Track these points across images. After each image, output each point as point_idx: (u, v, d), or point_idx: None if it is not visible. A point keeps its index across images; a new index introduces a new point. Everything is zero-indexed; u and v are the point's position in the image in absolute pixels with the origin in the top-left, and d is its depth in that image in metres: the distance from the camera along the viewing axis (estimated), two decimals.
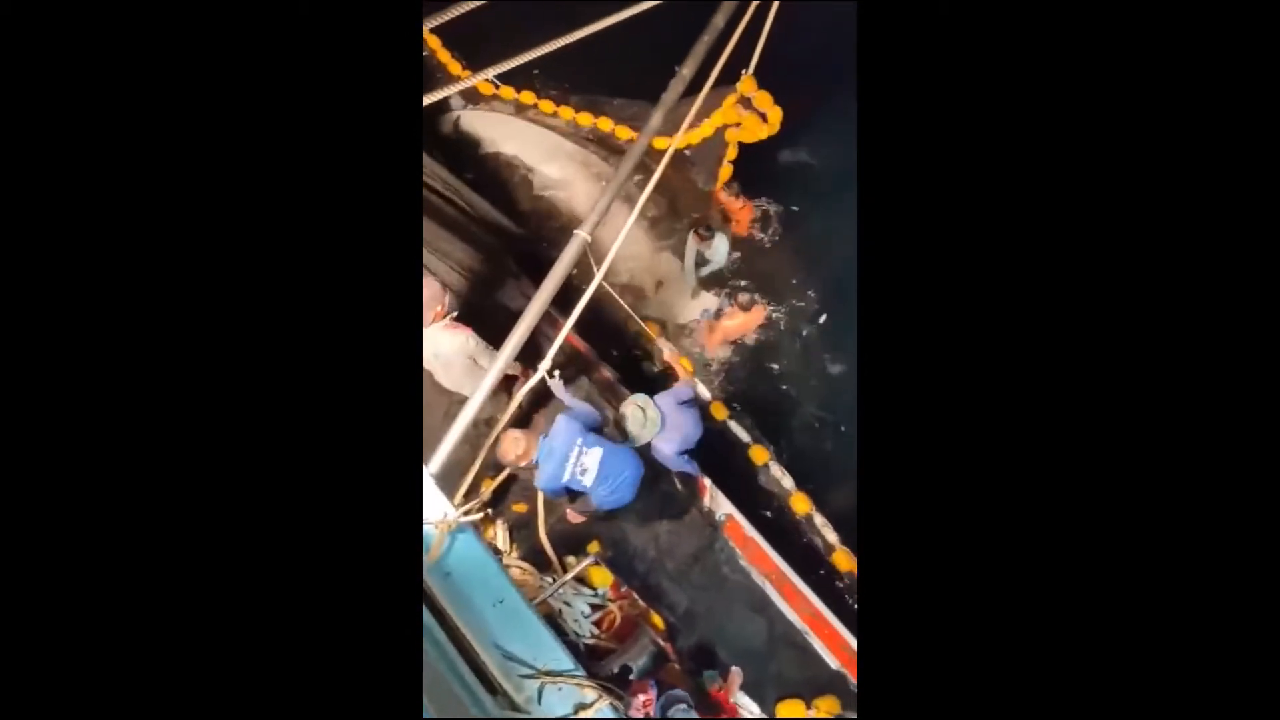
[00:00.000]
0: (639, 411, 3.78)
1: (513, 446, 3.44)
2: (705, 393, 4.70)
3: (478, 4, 3.29)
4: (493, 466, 3.82)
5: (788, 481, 4.47)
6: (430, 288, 3.58)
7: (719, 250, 5.30)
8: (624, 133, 5.64)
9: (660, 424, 3.76)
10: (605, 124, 5.74)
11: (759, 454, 4.57)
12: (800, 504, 4.41)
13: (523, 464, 3.48)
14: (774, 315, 5.24)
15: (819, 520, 4.35)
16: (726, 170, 5.47)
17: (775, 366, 5.14)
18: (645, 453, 3.73)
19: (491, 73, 3.50)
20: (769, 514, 4.34)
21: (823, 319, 5.27)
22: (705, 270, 5.35)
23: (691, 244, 5.26)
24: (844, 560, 4.22)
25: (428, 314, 3.57)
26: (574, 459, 3.41)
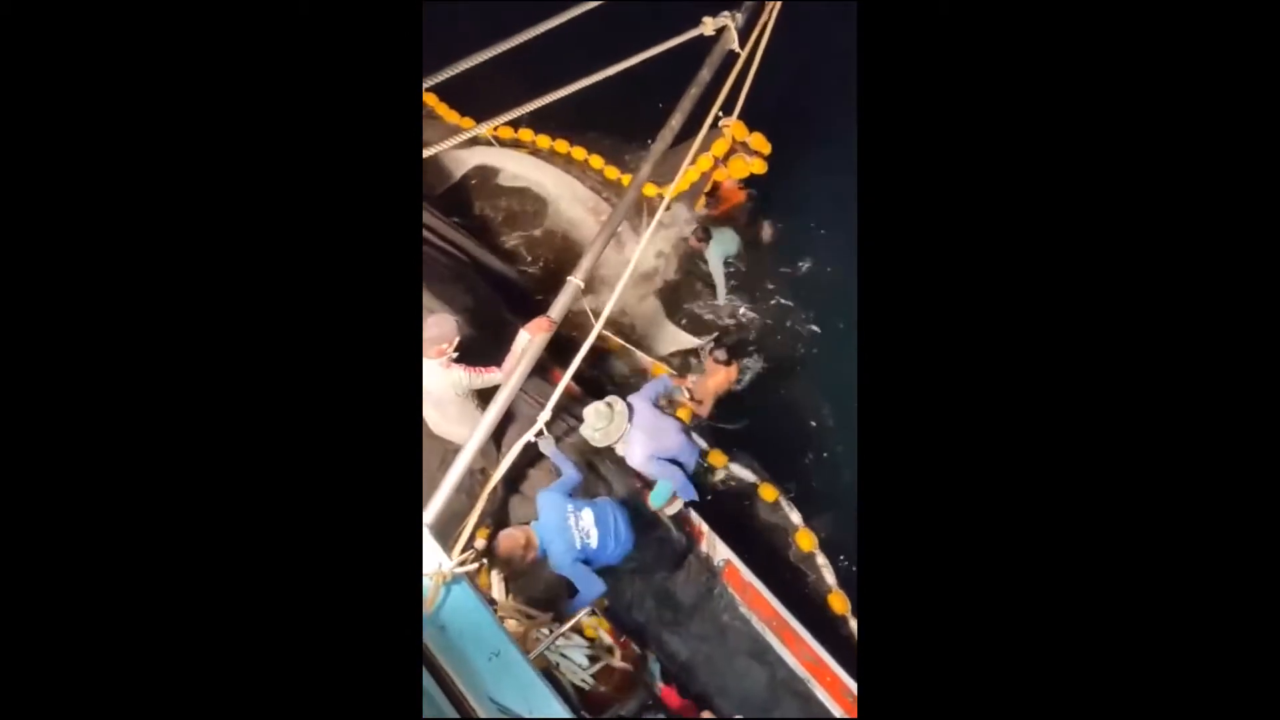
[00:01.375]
0: (603, 409, 3.54)
1: (513, 544, 3.31)
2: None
3: (473, 63, 3.39)
4: (492, 522, 3.79)
5: (795, 516, 4.38)
6: (443, 326, 3.53)
7: (726, 245, 5.38)
8: (612, 172, 5.77)
9: (628, 421, 3.54)
10: (596, 161, 5.84)
11: (768, 492, 4.49)
12: (805, 540, 4.37)
13: (530, 556, 3.34)
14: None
15: (820, 560, 4.30)
16: (702, 200, 5.58)
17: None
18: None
19: (500, 121, 3.58)
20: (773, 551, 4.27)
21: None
22: (718, 268, 5.42)
23: (704, 250, 5.34)
24: (838, 603, 4.17)
25: (430, 349, 3.52)
26: (573, 527, 3.36)
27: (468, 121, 5.79)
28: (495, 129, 5.85)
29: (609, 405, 3.59)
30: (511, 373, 3.21)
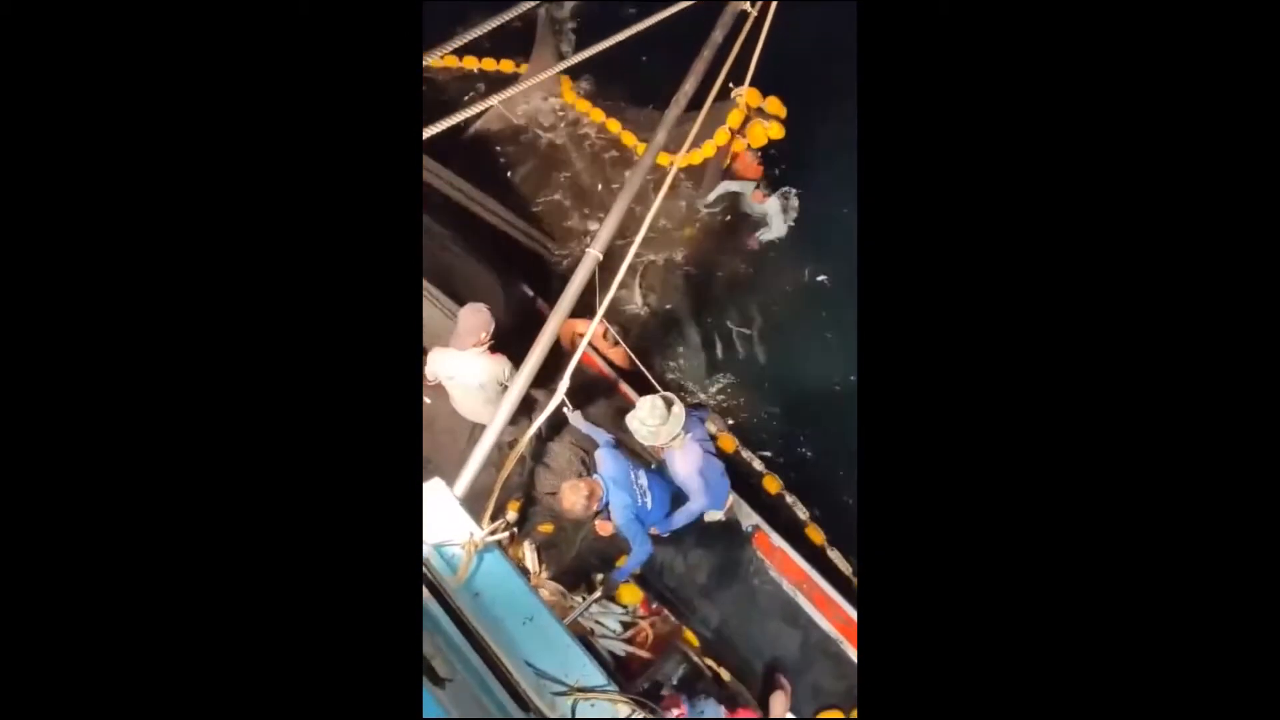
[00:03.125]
0: (659, 405, 3.33)
1: (577, 494, 3.28)
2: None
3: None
4: (522, 495, 3.81)
5: (801, 512, 4.39)
6: (479, 315, 3.58)
7: (771, 214, 5.46)
8: (629, 139, 5.78)
9: (683, 426, 3.38)
10: (614, 125, 5.83)
11: (771, 483, 4.49)
12: (772, 484, 4.44)
13: (595, 507, 3.31)
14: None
15: (789, 498, 4.39)
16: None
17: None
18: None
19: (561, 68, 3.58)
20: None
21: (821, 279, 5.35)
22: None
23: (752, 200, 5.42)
24: (815, 534, 4.23)
25: (469, 339, 3.58)
26: (635, 483, 3.38)
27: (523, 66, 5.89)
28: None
29: (667, 403, 3.37)
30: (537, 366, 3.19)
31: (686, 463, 3.49)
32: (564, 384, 3.28)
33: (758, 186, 5.48)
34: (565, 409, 3.38)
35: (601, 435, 3.61)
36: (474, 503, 2.68)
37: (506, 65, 6.15)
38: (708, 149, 5.25)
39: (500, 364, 3.62)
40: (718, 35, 3.44)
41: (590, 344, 4.01)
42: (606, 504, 3.35)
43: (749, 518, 4.07)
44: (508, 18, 3.73)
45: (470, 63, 6.17)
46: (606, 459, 3.43)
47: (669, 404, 3.38)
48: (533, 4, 3.94)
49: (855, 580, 3.99)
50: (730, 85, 4.03)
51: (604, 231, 3.26)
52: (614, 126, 5.84)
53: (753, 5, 3.48)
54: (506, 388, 3.72)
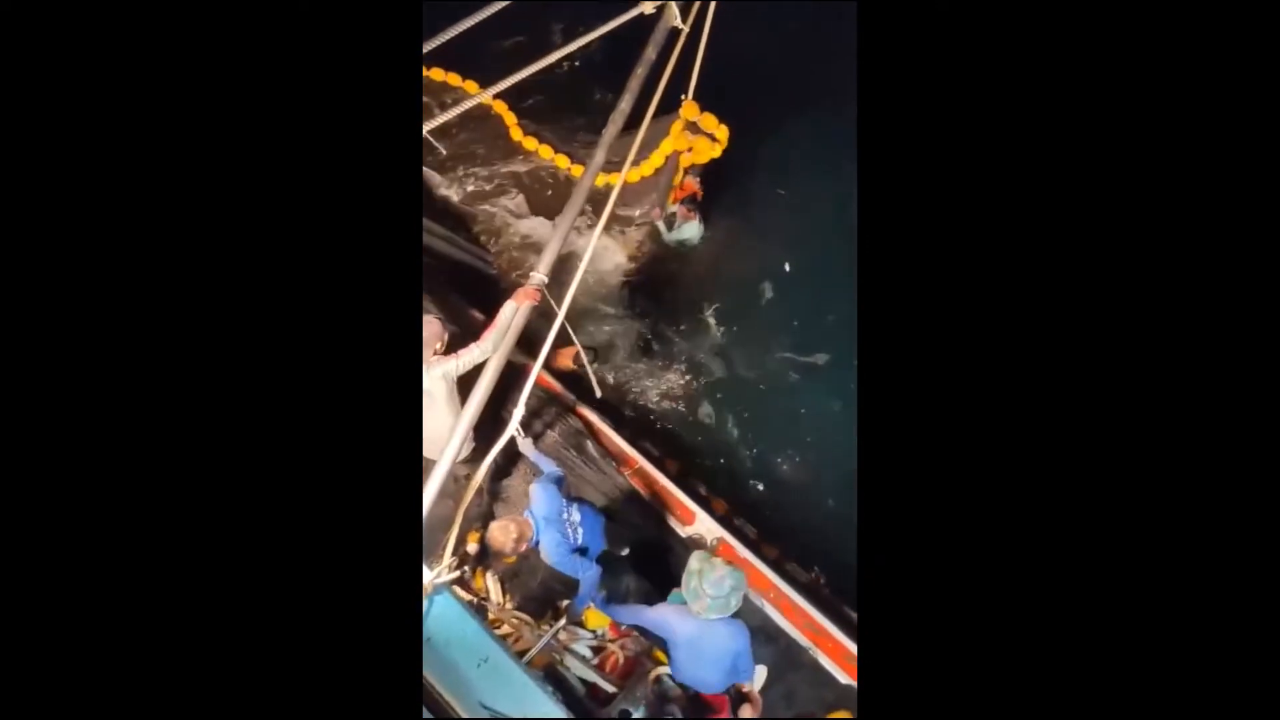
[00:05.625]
0: (726, 574, 2.93)
1: (505, 535, 3.22)
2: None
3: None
4: (482, 525, 3.75)
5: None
6: (431, 327, 3.45)
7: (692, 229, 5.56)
8: (563, 161, 5.69)
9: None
10: (562, 161, 5.75)
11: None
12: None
13: (523, 547, 3.27)
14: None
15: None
16: (675, 194, 5.53)
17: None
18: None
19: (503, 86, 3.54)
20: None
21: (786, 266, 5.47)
22: (675, 237, 5.59)
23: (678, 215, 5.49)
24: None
25: (426, 351, 3.43)
26: (566, 520, 3.33)
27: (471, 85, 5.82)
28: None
29: (731, 568, 2.99)
30: (498, 345, 3.11)
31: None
32: (519, 412, 3.23)
33: (685, 204, 5.49)
34: (517, 435, 3.33)
35: (547, 465, 3.56)
36: (429, 536, 2.62)
37: (471, 86, 6.05)
38: (655, 159, 5.24)
39: (443, 365, 3.49)
40: (651, 53, 3.43)
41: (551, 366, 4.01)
42: (537, 543, 3.31)
43: (712, 530, 4.05)
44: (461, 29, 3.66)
45: (437, 74, 6.05)
46: (539, 495, 3.37)
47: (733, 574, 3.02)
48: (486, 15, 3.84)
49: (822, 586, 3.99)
50: (683, 96, 4.06)
51: (547, 253, 3.23)
52: (546, 153, 5.78)
53: (683, 21, 3.49)
54: (450, 386, 3.61)
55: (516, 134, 5.84)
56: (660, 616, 3.21)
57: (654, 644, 3.67)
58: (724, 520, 4.13)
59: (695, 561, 3.05)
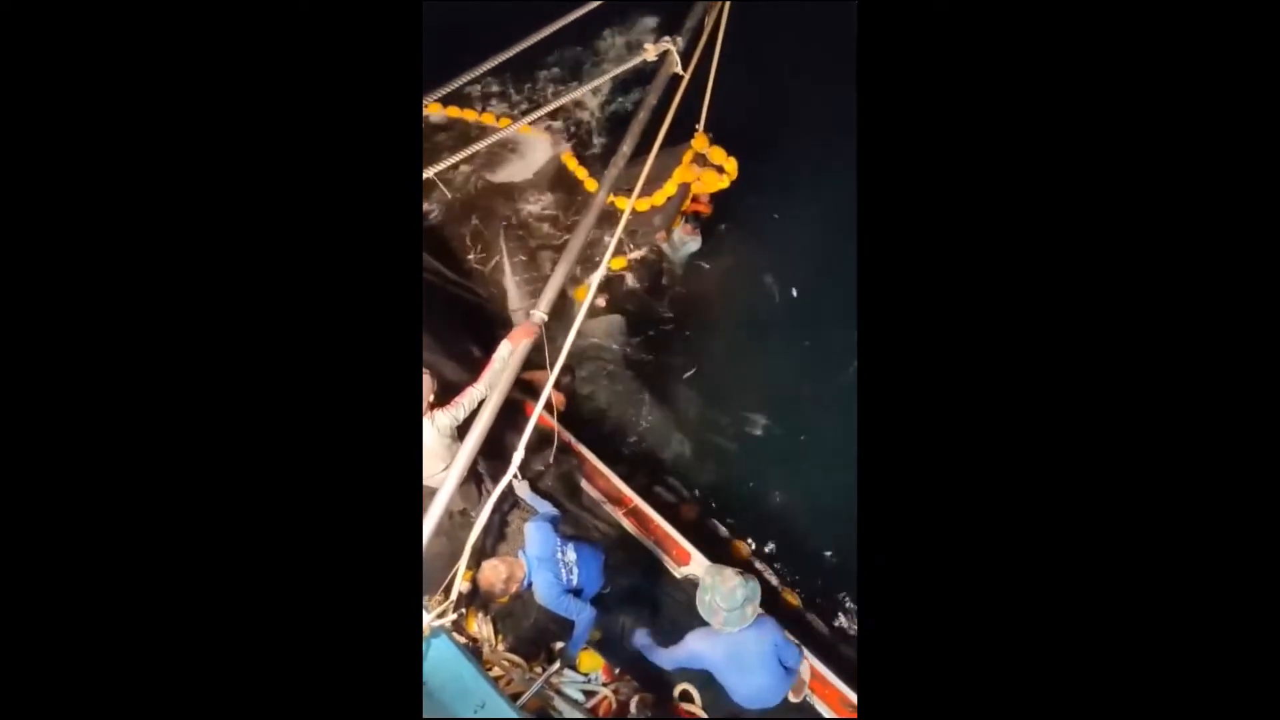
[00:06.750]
0: (742, 584, 2.94)
1: (495, 575, 3.18)
2: None
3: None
4: (476, 565, 3.69)
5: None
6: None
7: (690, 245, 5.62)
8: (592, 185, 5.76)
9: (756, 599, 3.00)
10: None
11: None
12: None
13: (514, 588, 3.23)
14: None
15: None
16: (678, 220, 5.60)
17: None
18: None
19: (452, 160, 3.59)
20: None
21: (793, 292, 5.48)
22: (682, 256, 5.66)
23: (679, 232, 5.53)
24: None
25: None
26: (561, 560, 3.30)
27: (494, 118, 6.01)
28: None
29: (744, 578, 3.01)
30: (494, 385, 3.08)
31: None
32: (518, 456, 3.20)
33: (689, 220, 5.56)
34: (515, 479, 3.30)
35: (544, 506, 3.54)
36: (427, 575, 2.57)
37: (488, 118, 6.14)
38: (669, 188, 5.31)
39: (440, 419, 3.52)
40: (651, 99, 3.50)
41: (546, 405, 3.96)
42: (529, 584, 3.27)
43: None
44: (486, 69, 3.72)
45: (453, 112, 6.16)
46: (534, 536, 3.34)
47: (746, 579, 3.06)
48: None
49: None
50: (696, 128, 4.15)
51: (548, 293, 3.24)
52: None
53: (683, 68, 3.56)
54: (457, 431, 3.58)
55: (591, 185, 5.84)
56: (689, 650, 3.20)
57: (646, 688, 3.62)
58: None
59: (707, 577, 3.09)
